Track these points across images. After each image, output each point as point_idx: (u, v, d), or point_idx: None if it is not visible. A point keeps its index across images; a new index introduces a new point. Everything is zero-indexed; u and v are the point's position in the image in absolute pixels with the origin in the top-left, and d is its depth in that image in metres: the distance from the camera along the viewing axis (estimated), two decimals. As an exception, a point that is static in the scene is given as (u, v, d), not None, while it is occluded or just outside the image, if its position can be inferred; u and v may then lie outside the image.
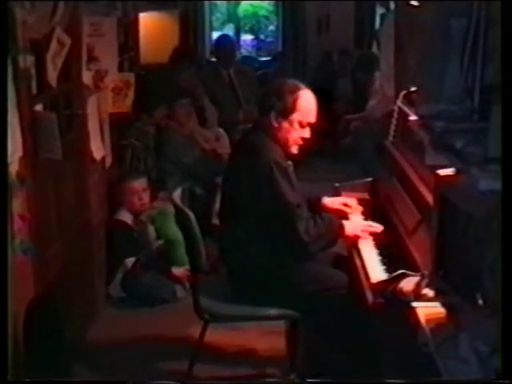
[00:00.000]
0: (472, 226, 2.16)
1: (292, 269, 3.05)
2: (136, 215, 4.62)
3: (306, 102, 3.15)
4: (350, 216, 3.39)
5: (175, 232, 4.28)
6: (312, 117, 3.18)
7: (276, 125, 3.13)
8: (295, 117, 3.13)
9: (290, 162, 3.21)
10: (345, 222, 3.18)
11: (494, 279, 2.02)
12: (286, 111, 3.12)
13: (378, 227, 3.17)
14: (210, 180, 5.06)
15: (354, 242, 3.12)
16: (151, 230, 4.62)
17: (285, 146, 3.16)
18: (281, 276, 3.03)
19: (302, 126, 3.15)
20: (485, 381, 1.92)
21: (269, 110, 3.15)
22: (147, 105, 5.16)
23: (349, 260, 3.09)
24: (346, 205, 3.49)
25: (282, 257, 3.04)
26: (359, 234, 3.13)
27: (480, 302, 2.08)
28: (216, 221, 4.61)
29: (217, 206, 4.72)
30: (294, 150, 3.21)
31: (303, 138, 3.19)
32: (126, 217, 4.57)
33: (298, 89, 3.15)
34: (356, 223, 3.25)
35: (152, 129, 5.24)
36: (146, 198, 4.64)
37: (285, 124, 3.13)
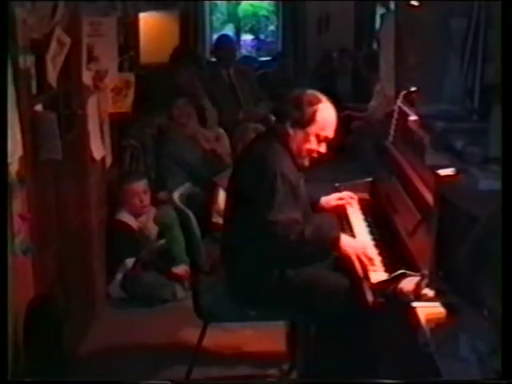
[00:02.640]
0: (472, 225, 2.16)
1: (290, 272, 3.04)
2: (137, 216, 4.63)
3: (326, 115, 3.07)
4: (355, 231, 3.25)
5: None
6: (330, 131, 3.09)
7: (291, 133, 3.06)
8: (312, 129, 3.04)
9: (301, 174, 3.14)
10: (343, 237, 2.98)
11: (494, 280, 2.02)
12: (303, 122, 3.04)
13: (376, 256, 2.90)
14: (210, 180, 5.05)
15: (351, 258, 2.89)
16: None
17: (297, 156, 3.09)
18: (279, 279, 3.02)
19: (318, 139, 3.07)
20: (485, 381, 1.92)
21: (285, 118, 3.08)
22: (147, 105, 5.15)
23: (349, 260, 3.07)
24: (341, 199, 3.47)
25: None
26: (352, 256, 2.88)
27: (485, 313, 2.07)
28: (216, 219, 4.63)
29: (217, 205, 4.73)
30: (306, 161, 3.13)
31: (318, 152, 3.11)
32: (126, 217, 4.57)
33: (318, 101, 3.07)
34: (357, 243, 3.01)
35: (152, 129, 5.24)
36: (146, 199, 4.64)
37: (300, 134, 3.05)
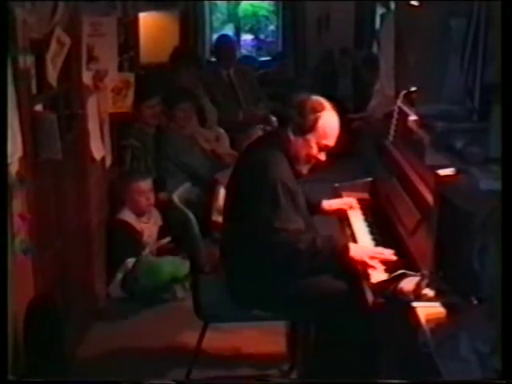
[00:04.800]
0: (472, 225, 2.16)
1: (287, 276, 3.04)
2: (139, 215, 4.63)
3: (327, 123, 3.03)
4: (355, 231, 3.25)
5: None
6: (331, 140, 3.05)
7: (292, 139, 3.03)
8: (313, 136, 3.01)
9: (299, 181, 3.12)
10: (351, 245, 2.97)
11: (492, 278, 2.02)
12: (304, 129, 3.01)
13: (389, 254, 2.87)
14: (210, 180, 5.05)
15: (360, 265, 2.85)
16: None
17: (295, 163, 3.06)
18: (279, 280, 3.02)
19: (319, 147, 3.04)
20: (485, 381, 1.92)
21: (287, 123, 3.06)
22: (146, 103, 5.14)
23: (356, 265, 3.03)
24: (345, 204, 3.46)
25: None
26: (367, 260, 2.83)
27: (475, 301, 2.08)
28: (216, 218, 4.63)
29: (218, 203, 4.73)
30: (305, 169, 3.10)
31: (317, 160, 3.08)
32: (128, 217, 4.58)
33: (321, 108, 3.02)
34: (364, 248, 2.99)
35: (152, 129, 5.24)
36: (152, 198, 4.67)
37: (300, 141, 3.02)
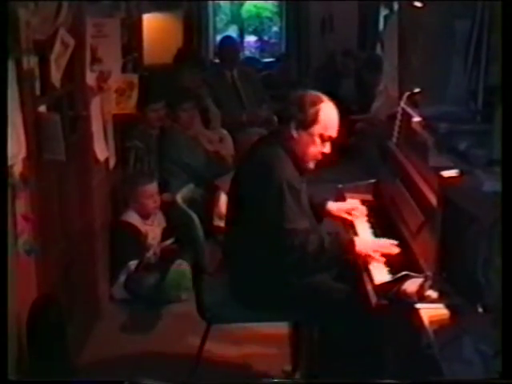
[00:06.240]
0: (476, 227, 2.16)
1: (293, 276, 3.04)
2: (144, 218, 4.63)
3: (328, 114, 3.06)
4: (359, 233, 3.26)
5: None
6: (333, 131, 3.08)
7: (295, 136, 3.05)
8: (316, 129, 3.03)
9: (303, 178, 3.13)
10: (356, 239, 3.03)
11: (495, 280, 2.02)
12: (307, 123, 3.03)
13: (393, 247, 2.94)
14: (213, 181, 5.05)
15: (364, 260, 2.91)
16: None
17: (302, 160, 3.08)
18: (283, 281, 3.02)
19: (322, 139, 3.06)
20: (484, 381, 1.91)
21: (289, 120, 3.07)
22: (150, 106, 5.15)
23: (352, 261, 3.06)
24: (350, 211, 3.44)
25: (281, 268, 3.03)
26: (371, 253, 2.90)
27: (480, 310, 2.08)
28: (217, 223, 4.63)
29: (218, 208, 4.73)
30: (311, 164, 3.12)
31: (323, 153, 3.09)
32: (133, 219, 4.58)
33: (320, 101, 3.06)
34: (368, 242, 3.05)
35: (155, 130, 5.24)
36: (158, 200, 4.68)
37: (304, 136, 3.04)
